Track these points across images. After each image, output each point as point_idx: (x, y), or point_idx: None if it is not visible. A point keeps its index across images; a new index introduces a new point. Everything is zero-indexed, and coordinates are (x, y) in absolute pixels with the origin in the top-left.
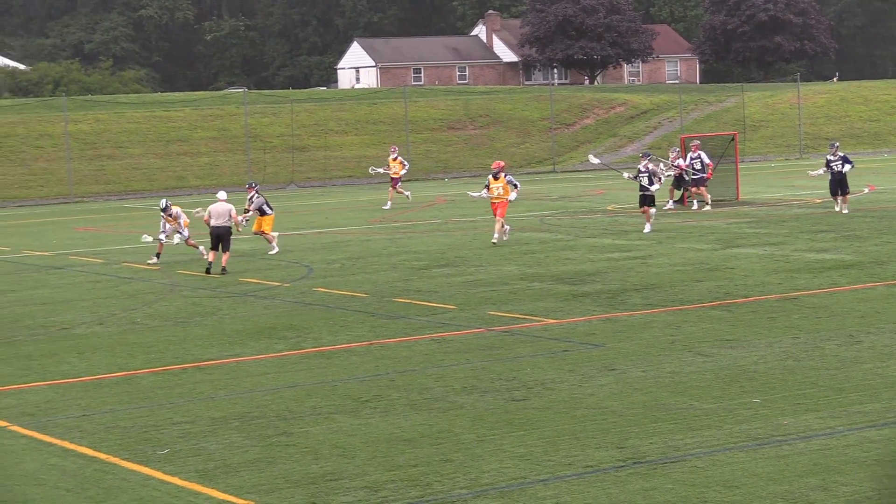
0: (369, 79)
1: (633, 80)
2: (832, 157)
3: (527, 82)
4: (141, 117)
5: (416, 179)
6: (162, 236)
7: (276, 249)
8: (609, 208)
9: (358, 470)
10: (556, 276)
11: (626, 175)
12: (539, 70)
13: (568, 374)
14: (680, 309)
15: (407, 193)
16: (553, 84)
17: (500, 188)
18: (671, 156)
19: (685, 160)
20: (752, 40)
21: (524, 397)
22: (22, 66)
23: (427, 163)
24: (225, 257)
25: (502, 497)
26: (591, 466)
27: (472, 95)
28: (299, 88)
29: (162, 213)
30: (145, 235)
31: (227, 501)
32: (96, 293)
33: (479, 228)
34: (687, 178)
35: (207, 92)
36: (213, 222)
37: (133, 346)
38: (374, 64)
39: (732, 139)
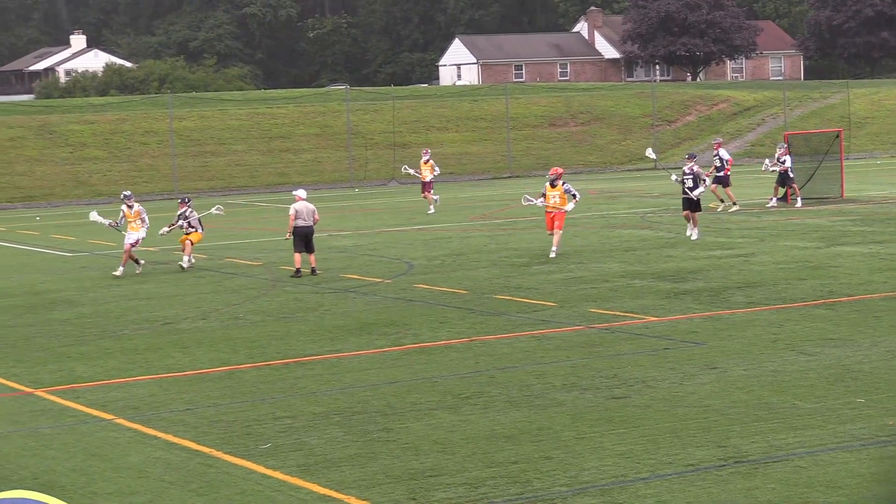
0: (470, 75)
1: (737, 77)
2: None
3: (628, 79)
4: (244, 114)
5: (518, 177)
6: (108, 222)
7: (190, 262)
8: (711, 206)
9: (458, 466)
10: (658, 274)
11: (673, 178)
12: (641, 66)
13: (669, 371)
14: (783, 307)
15: (436, 197)
16: (655, 81)
17: (557, 197)
18: (778, 152)
19: (789, 159)
20: (857, 36)
21: (625, 395)
22: (128, 64)
23: (528, 160)
24: (312, 258)
25: (602, 495)
26: (693, 465)
27: (573, 92)
28: (401, 85)
29: (124, 202)
30: (94, 214)
31: (328, 496)
32: (200, 288)
33: (579, 225)
34: (791, 176)
35: (310, 89)
36: (299, 222)
37: (236, 341)
38: (475, 61)
39: (837, 136)
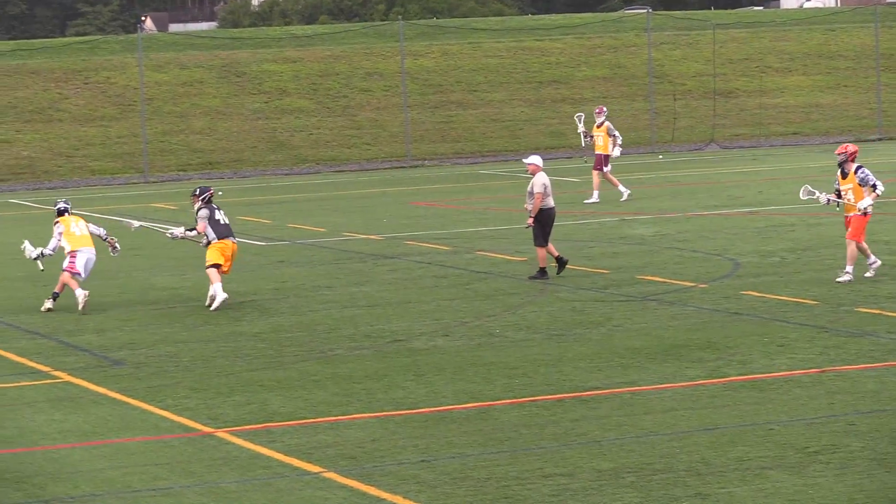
0: None
1: None
2: None
3: None
4: (504, 49)
5: (891, 139)
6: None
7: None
8: None
9: None
10: None
11: None
12: None
13: None
14: None
15: (625, 192)
16: None
17: (849, 191)
18: None
19: None
20: None
21: None
22: None
23: None
24: (552, 248)
25: None
26: None
27: None
28: (724, 8)
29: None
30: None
31: None
32: (440, 293)
33: None
34: None
35: (596, 14)
36: (548, 202)
37: (490, 366)
38: None
39: None
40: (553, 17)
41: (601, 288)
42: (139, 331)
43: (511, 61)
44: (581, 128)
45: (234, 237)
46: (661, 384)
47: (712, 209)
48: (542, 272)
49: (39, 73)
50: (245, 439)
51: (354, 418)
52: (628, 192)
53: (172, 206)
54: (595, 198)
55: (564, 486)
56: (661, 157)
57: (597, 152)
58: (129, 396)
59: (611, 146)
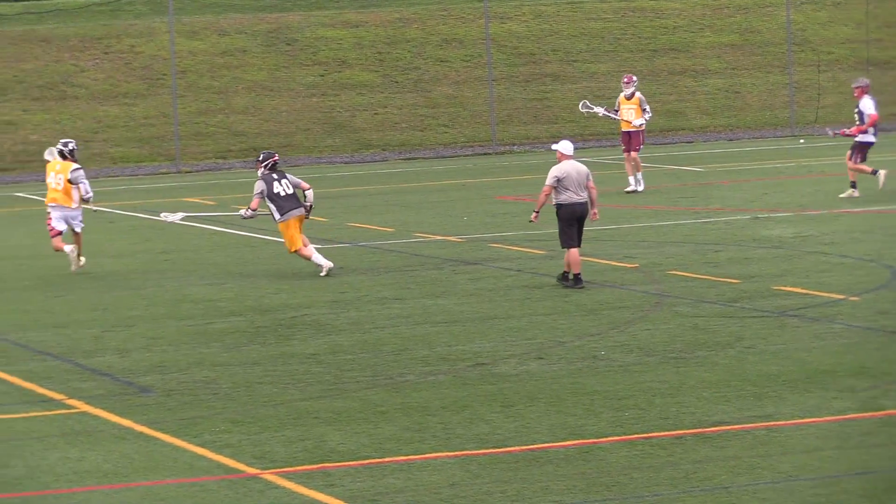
0: None
1: None
2: None
3: None
4: (610, 11)
5: None
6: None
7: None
8: None
9: None
10: None
11: None
12: None
13: None
14: None
15: (637, 184)
16: None
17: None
18: None
19: None
20: None
21: None
22: None
23: None
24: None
25: None
26: None
27: None
28: None
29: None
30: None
31: None
32: (532, 306)
33: None
34: None
35: None
36: (568, 196)
37: (593, 396)
38: None
39: None
40: None
41: (729, 301)
42: (170, 351)
43: (619, 25)
44: (600, 111)
45: (301, 208)
46: (803, 418)
47: (864, 205)
48: (577, 279)
49: (51, 42)
50: (297, 483)
51: (429, 458)
52: (641, 187)
53: (209, 200)
54: (633, 186)
55: None
56: (801, 140)
57: (625, 130)
58: (157, 430)
59: (639, 120)
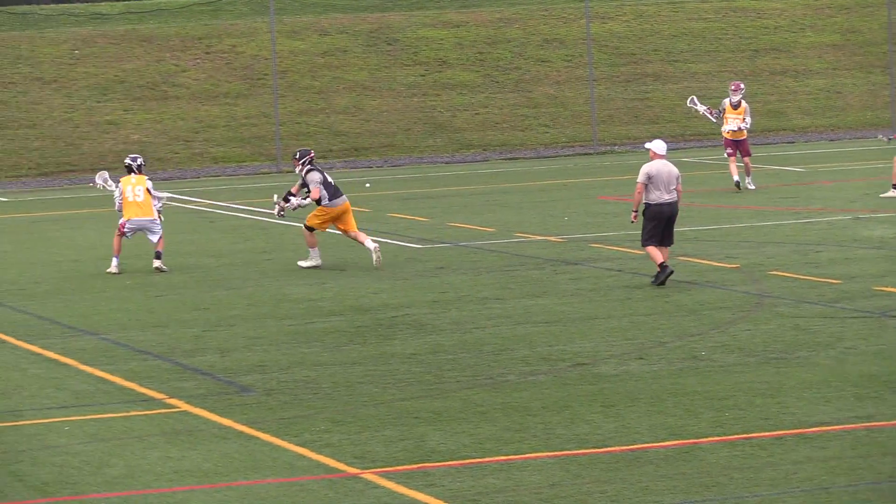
0: None
1: None
2: None
3: None
4: (711, 11)
5: None
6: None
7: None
8: None
9: None
10: None
11: None
12: None
13: None
14: None
15: (748, 181)
16: None
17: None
18: None
19: None
20: None
21: None
22: None
23: None
24: (666, 252)
25: None
26: None
27: None
28: None
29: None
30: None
31: None
32: (633, 306)
33: None
34: None
35: None
36: (657, 195)
37: (694, 396)
38: None
39: None
40: None
41: (830, 301)
42: (271, 350)
43: (720, 25)
44: (702, 108)
45: (345, 196)
46: None
47: None
48: (662, 269)
49: (152, 41)
50: (398, 482)
51: (529, 458)
52: (752, 186)
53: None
54: (750, 183)
55: None
56: (880, 137)
57: (731, 139)
58: (258, 430)
59: (742, 124)
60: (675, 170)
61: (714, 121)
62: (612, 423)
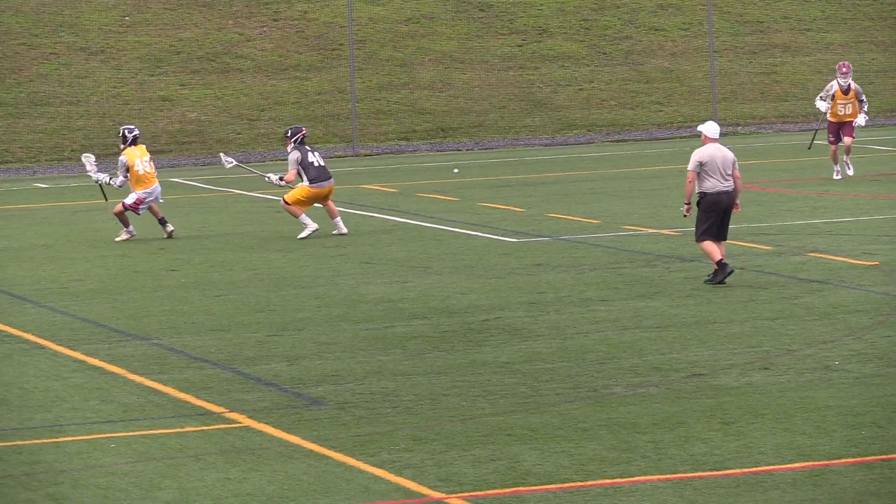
0: None
1: None
2: None
3: None
4: None
5: None
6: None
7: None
8: None
9: None
10: None
11: None
12: None
13: None
14: None
15: (848, 167)
16: None
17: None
18: None
19: None
20: None
21: None
22: None
23: None
24: (722, 248)
25: None
26: None
27: None
28: None
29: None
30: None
31: None
32: (756, 309)
33: None
34: None
35: None
36: (711, 183)
37: (825, 412)
38: None
39: None
40: None
41: None
42: (344, 358)
43: None
44: (824, 106)
45: (331, 179)
46: None
47: None
48: (722, 267)
49: (213, 7)
50: None
51: (637, 482)
52: (851, 171)
53: (390, 188)
54: (849, 170)
55: None
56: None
57: (830, 120)
58: (330, 448)
59: (860, 115)
60: (730, 154)
61: (821, 126)
62: (733, 442)
